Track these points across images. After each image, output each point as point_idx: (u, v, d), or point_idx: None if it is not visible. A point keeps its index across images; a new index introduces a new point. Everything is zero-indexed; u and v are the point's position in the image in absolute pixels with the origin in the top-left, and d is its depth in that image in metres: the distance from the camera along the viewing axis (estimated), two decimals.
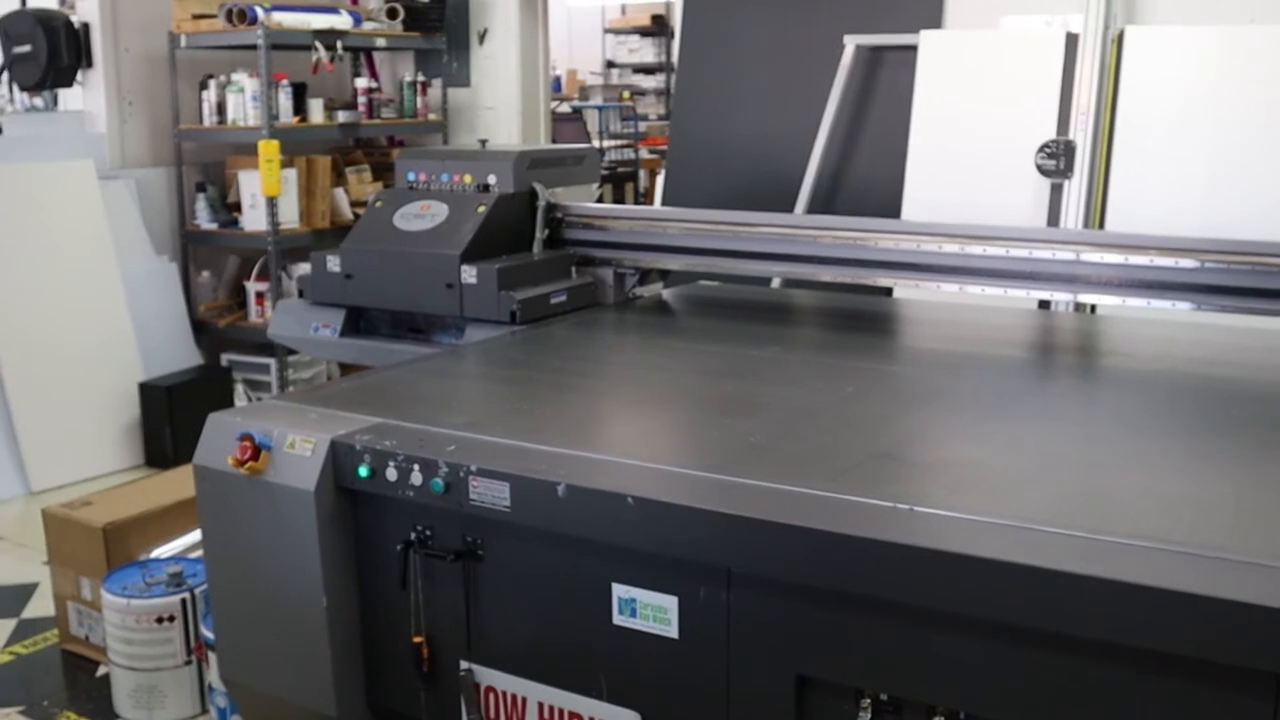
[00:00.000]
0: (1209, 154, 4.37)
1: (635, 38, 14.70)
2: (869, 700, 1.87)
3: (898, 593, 1.75)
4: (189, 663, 3.36)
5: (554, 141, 7.74)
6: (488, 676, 2.26)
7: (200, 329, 6.28)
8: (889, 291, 4.03)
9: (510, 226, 3.45)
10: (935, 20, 5.10)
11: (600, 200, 4.02)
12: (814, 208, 5.11)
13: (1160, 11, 4.81)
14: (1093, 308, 3.83)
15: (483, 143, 3.96)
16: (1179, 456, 2.22)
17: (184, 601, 3.32)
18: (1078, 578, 1.62)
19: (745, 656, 1.94)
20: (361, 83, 6.55)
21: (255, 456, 2.31)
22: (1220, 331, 3.15)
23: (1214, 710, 1.61)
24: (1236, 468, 2.14)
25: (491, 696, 2.27)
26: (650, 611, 2.02)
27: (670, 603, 1.99)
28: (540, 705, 2.22)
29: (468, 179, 3.53)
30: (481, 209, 3.37)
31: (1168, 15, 4.75)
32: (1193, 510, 1.89)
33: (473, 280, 3.22)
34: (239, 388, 6.13)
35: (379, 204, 3.56)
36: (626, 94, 13.22)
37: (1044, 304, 3.94)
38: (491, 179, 3.49)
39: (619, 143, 12.10)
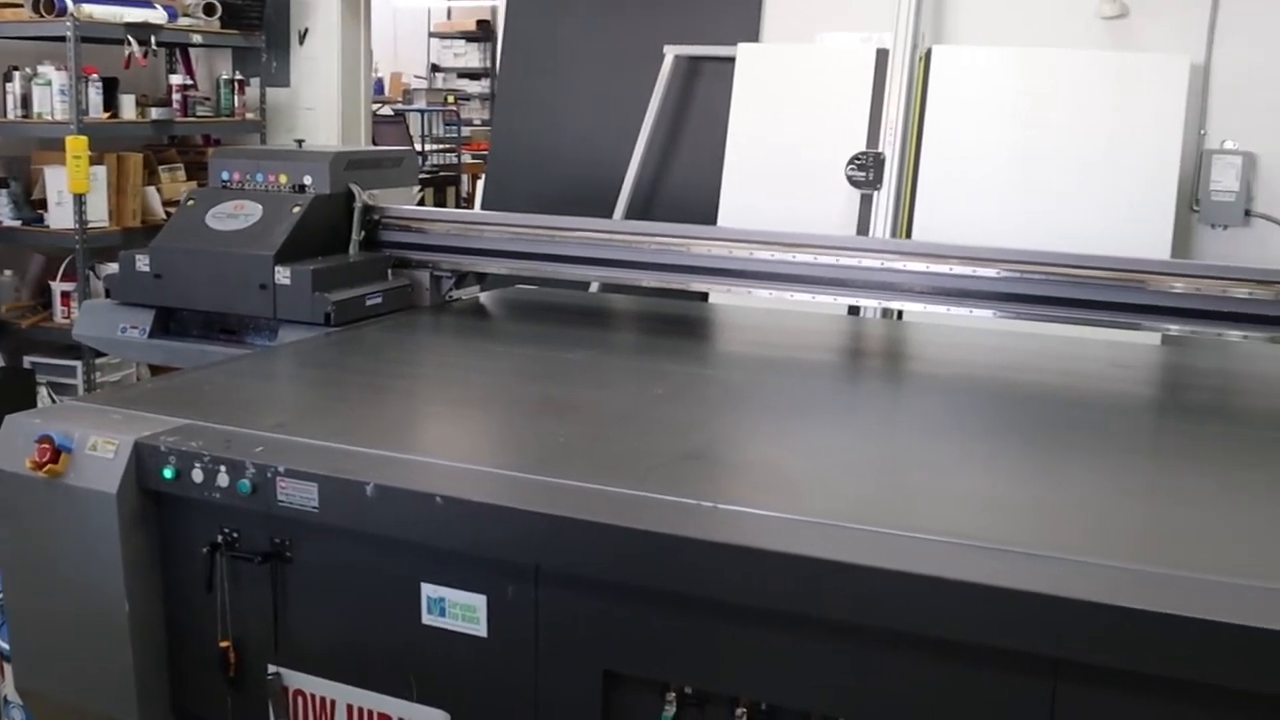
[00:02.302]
0: (1010, 168, 4.56)
1: (461, 42, 14.60)
2: (674, 694, 1.91)
3: (701, 588, 1.80)
4: None
5: (375, 144, 7.66)
6: (296, 680, 2.24)
7: (1, 330, 6.04)
8: (705, 297, 4.11)
9: (326, 228, 3.42)
10: (753, 34, 5.22)
11: (421, 203, 4.01)
12: (632, 214, 5.17)
13: (965, 32, 5.01)
14: (899, 314, 3.97)
15: (299, 143, 3.91)
16: (975, 456, 2.33)
17: None
18: (875, 571, 1.69)
19: (553, 653, 1.97)
20: (176, 79, 6.39)
21: (55, 459, 2.24)
22: (1019, 338, 3.29)
23: (998, 693, 1.69)
24: (1029, 466, 2.26)
25: (300, 700, 2.25)
26: (459, 610, 2.02)
27: (479, 601, 2.00)
28: (349, 707, 2.20)
29: (283, 179, 3.48)
30: (296, 209, 3.33)
31: (972, 36, 4.95)
32: (985, 506, 1.99)
33: (286, 281, 3.17)
34: (43, 390, 5.91)
35: (191, 203, 3.49)
36: (451, 98, 13.12)
37: (853, 310, 4.06)
38: (307, 179, 3.45)
39: (442, 147, 12.02)
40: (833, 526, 1.82)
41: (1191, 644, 1.55)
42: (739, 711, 1.87)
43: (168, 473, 2.19)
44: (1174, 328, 2.97)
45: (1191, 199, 4.88)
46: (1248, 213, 4.89)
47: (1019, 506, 2.02)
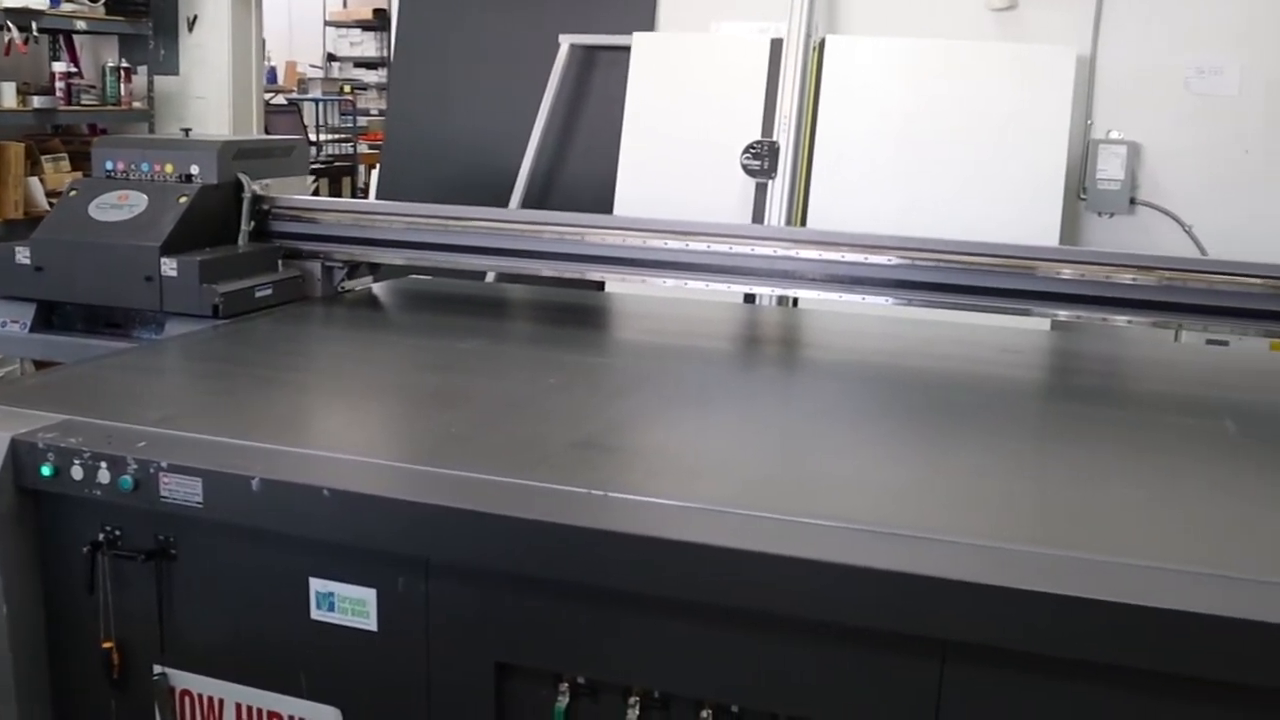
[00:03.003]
0: (902, 157, 4.62)
1: (357, 31, 14.41)
2: (567, 684, 1.91)
3: (591, 577, 1.79)
4: None
5: (268, 134, 7.54)
6: (182, 680, 2.19)
7: None
8: (601, 286, 4.10)
9: (214, 218, 3.35)
10: (648, 23, 5.23)
11: (316, 194, 3.95)
12: (528, 203, 5.16)
13: (858, 22, 5.07)
14: (795, 301, 3.99)
15: (186, 131, 3.83)
16: (867, 441, 2.35)
17: None
18: (764, 556, 1.70)
19: (445, 646, 1.95)
20: (60, 67, 6.24)
21: None
22: (911, 324, 3.33)
23: (889, 676, 1.71)
24: (919, 451, 2.28)
25: (187, 700, 2.20)
26: (349, 605, 2.00)
27: (369, 595, 1.98)
28: (238, 706, 2.16)
29: (169, 169, 3.40)
30: (183, 200, 3.26)
31: (865, 26, 5.01)
32: (875, 491, 2.01)
33: (173, 273, 3.11)
34: None
35: (73, 193, 3.40)
36: (347, 88, 12.98)
37: (749, 298, 4.08)
38: (194, 169, 3.38)
39: (338, 137, 11.88)
40: (723, 513, 1.82)
41: (1081, 624, 1.58)
42: (632, 700, 1.86)
43: (46, 470, 2.12)
44: (1063, 313, 3.02)
45: (1079, 187, 4.99)
46: (1133, 201, 5.01)
47: (908, 490, 2.04)
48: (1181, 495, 2.05)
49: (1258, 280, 2.84)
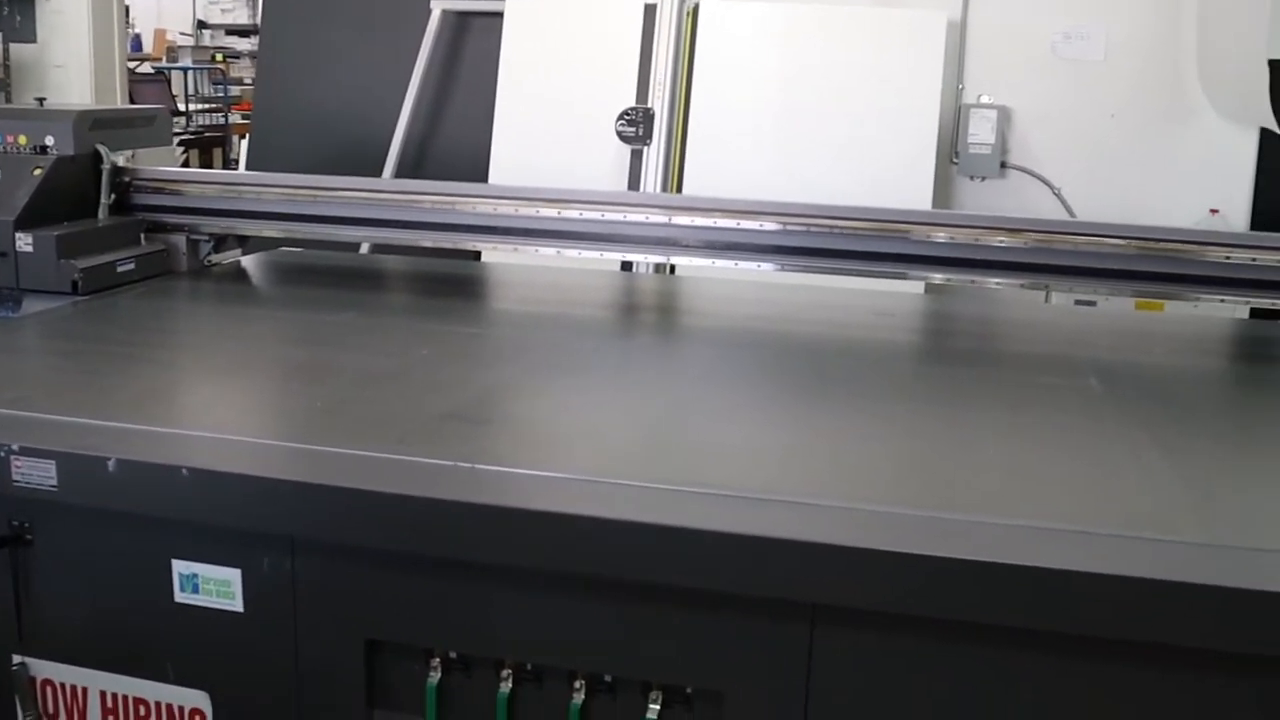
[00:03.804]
0: (777, 122, 4.64)
1: None
2: (439, 659, 1.88)
3: (459, 550, 1.76)
4: None
5: (134, 104, 7.33)
6: (44, 669, 2.12)
7: None
8: (477, 255, 4.06)
9: (71, 191, 3.23)
10: None
11: (186, 165, 3.84)
12: (401, 173, 5.09)
13: None
14: (672, 268, 3.99)
15: (40, 101, 3.70)
16: (742, 408, 2.35)
17: None
18: (633, 525, 1.69)
19: (313, 625, 1.91)
20: None
21: None
22: (787, 290, 3.34)
23: (760, 640, 1.71)
24: (793, 415, 2.29)
25: (49, 690, 2.13)
26: (213, 586, 1.95)
27: (234, 575, 1.93)
28: (103, 695, 2.10)
29: (22, 140, 3.27)
30: (38, 172, 3.14)
31: None
32: (748, 457, 2.01)
33: (28, 248, 3.00)
34: None
35: None
36: (219, 56, 12.67)
37: (626, 266, 4.07)
38: (50, 140, 3.25)
39: (209, 107, 11.61)
40: (593, 482, 1.81)
41: (947, 583, 1.60)
42: (504, 673, 1.85)
43: None
44: (938, 276, 3.05)
45: (951, 152, 5.05)
46: (1003, 164, 5.09)
47: (778, 456, 2.04)
48: (1045, 454, 2.08)
49: (1122, 241, 2.89)
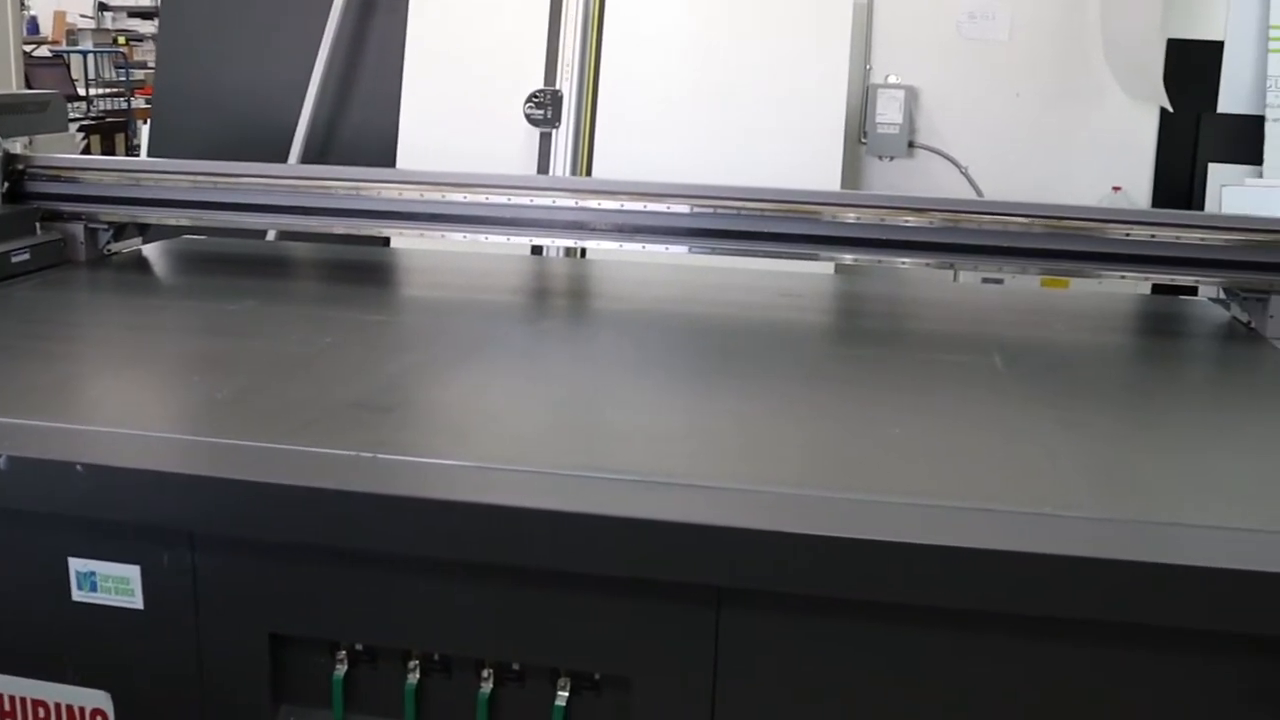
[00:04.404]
0: (685, 104, 4.63)
1: None
2: (345, 652, 1.86)
3: (362, 541, 1.74)
4: None
5: (30, 88, 7.15)
6: None
7: None
8: (386, 242, 4.01)
9: None
10: None
11: (87, 151, 3.75)
12: (308, 158, 5.01)
13: None
14: (582, 252, 3.97)
15: None
16: (648, 391, 2.34)
17: None
18: (537, 512, 1.68)
19: (215, 620, 1.87)
20: None
21: None
22: (696, 272, 3.34)
23: (667, 624, 1.71)
24: (697, 399, 2.29)
25: None
26: (111, 584, 1.90)
27: (132, 572, 1.89)
28: (0, 697, 2.05)
29: None
30: None
31: None
32: (653, 440, 2.00)
33: None
34: None
35: None
36: (121, 39, 12.41)
37: (537, 250, 4.05)
38: None
39: (111, 91, 11.37)
40: (497, 470, 1.79)
41: (851, 563, 1.61)
42: (411, 664, 1.83)
43: None
44: (848, 257, 3.06)
45: (860, 132, 5.08)
46: (911, 144, 5.13)
47: (684, 439, 2.04)
48: (949, 432, 2.10)
49: (1027, 219, 2.92)
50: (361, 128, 5.11)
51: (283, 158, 4.98)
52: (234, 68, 5.34)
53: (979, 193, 5.04)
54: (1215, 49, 5.19)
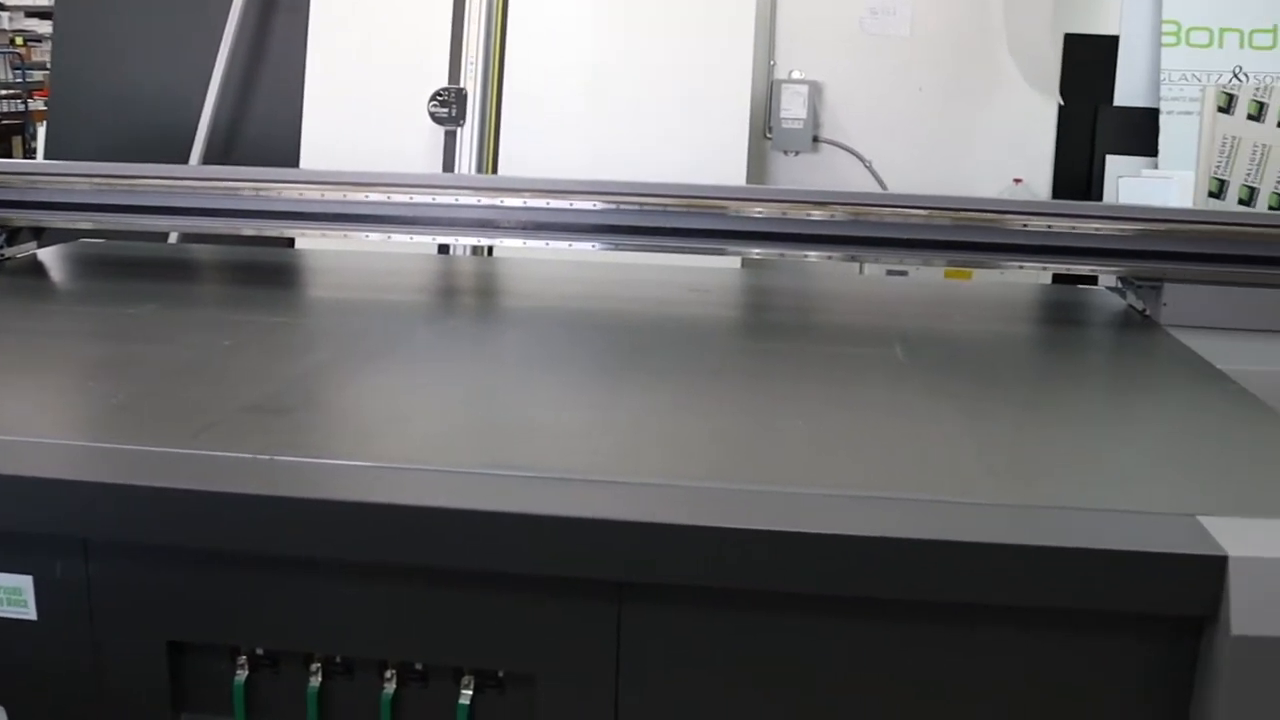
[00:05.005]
0: (591, 101, 4.64)
1: None
2: (245, 658, 1.83)
3: (260, 545, 1.72)
4: None
5: None
6: None
7: None
8: (291, 243, 3.97)
9: None
10: None
11: None
12: (210, 158, 4.94)
13: None
14: (490, 250, 3.96)
15: None
16: (551, 389, 2.34)
17: None
18: (436, 511, 1.67)
19: (112, 629, 1.84)
20: None
21: None
22: (601, 268, 3.34)
23: (569, 621, 1.71)
24: (602, 395, 2.29)
25: None
26: (3, 595, 1.86)
27: (25, 583, 1.85)
28: None
29: None
30: None
31: None
32: (556, 438, 2.00)
33: None
34: None
35: None
36: (19, 40, 12.14)
37: (444, 249, 4.03)
38: None
39: (8, 93, 11.13)
40: (397, 470, 1.78)
41: (753, 555, 1.61)
42: (314, 668, 1.81)
43: None
44: (755, 251, 3.08)
45: (765, 127, 5.11)
46: (816, 139, 5.17)
47: (586, 435, 2.04)
48: (849, 423, 2.12)
49: (929, 212, 2.95)
50: (264, 128, 5.05)
51: (184, 159, 4.91)
52: (132, 68, 5.24)
53: (883, 186, 5.10)
54: (1111, 43, 5.29)
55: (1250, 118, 4.11)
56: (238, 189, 3.15)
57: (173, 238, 4.34)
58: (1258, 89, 4.12)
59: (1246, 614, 1.54)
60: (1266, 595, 1.55)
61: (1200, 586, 1.57)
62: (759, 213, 2.99)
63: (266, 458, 1.80)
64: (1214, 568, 1.56)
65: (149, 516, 1.74)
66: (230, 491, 1.71)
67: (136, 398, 2.14)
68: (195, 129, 4.96)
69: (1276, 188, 4.15)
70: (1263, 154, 4.11)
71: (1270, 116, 4.11)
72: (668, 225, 3.02)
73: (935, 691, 1.69)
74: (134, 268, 3.40)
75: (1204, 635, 1.61)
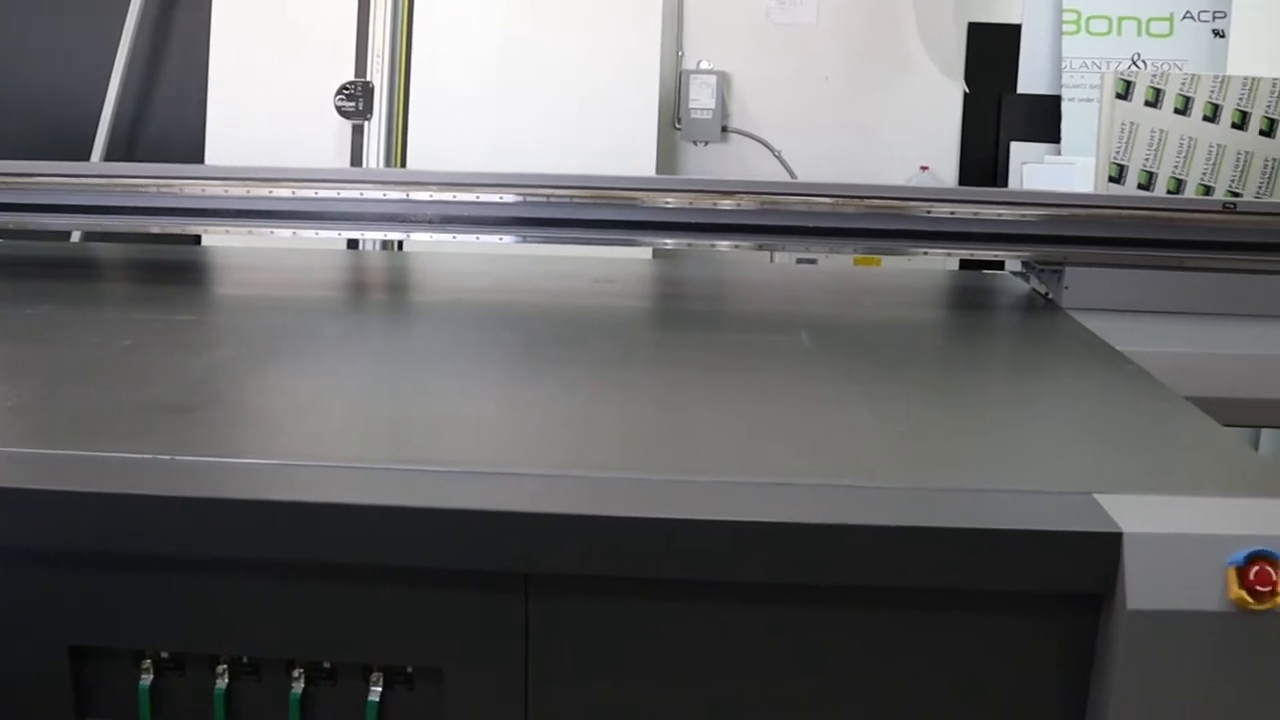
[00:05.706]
0: (498, 94, 4.62)
1: None
2: (150, 661, 1.81)
3: (160, 546, 1.69)
4: None
5: None
6: None
7: None
8: (198, 240, 3.91)
9: None
10: None
11: None
12: (112, 155, 4.86)
13: None
14: (400, 244, 3.93)
15: None
16: (455, 382, 2.33)
17: None
18: (339, 507, 1.65)
19: (11, 636, 1.80)
20: None
21: None
22: (510, 261, 3.33)
23: (476, 614, 1.71)
24: (507, 387, 2.29)
25: None
26: None
27: None
28: None
29: None
30: None
31: None
32: (460, 432, 1.99)
33: None
34: None
35: None
36: None
37: (352, 244, 3.99)
38: None
39: None
40: (299, 466, 1.76)
41: (659, 543, 1.62)
42: (220, 669, 1.79)
43: None
44: (666, 241, 3.09)
45: (674, 117, 5.13)
46: (725, 129, 5.20)
47: (492, 428, 2.04)
48: (755, 409, 2.13)
49: (836, 200, 2.98)
50: (167, 123, 4.98)
51: (85, 156, 4.82)
52: (29, 64, 5.14)
53: (792, 175, 5.14)
54: (1014, 32, 5.37)
55: (1148, 104, 4.19)
56: (141, 186, 3.11)
57: (75, 236, 4.26)
58: (1154, 76, 4.21)
59: (1141, 589, 1.58)
60: (1161, 570, 1.58)
61: (1097, 563, 1.60)
62: (669, 203, 3.00)
63: (167, 457, 1.77)
64: (1110, 544, 1.59)
65: (46, 520, 1.71)
66: (128, 492, 1.68)
67: (32, 400, 2.10)
68: (96, 126, 4.87)
69: (1174, 172, 4.23)
70: (1160, 139, 4.20)
71: (1166, 103, 4.19)
72: (577, 217, 3.02)
73: (837, 675, 1.70)
74: (32, 267, 3.33)
75: (1102, 611, 1.64)
